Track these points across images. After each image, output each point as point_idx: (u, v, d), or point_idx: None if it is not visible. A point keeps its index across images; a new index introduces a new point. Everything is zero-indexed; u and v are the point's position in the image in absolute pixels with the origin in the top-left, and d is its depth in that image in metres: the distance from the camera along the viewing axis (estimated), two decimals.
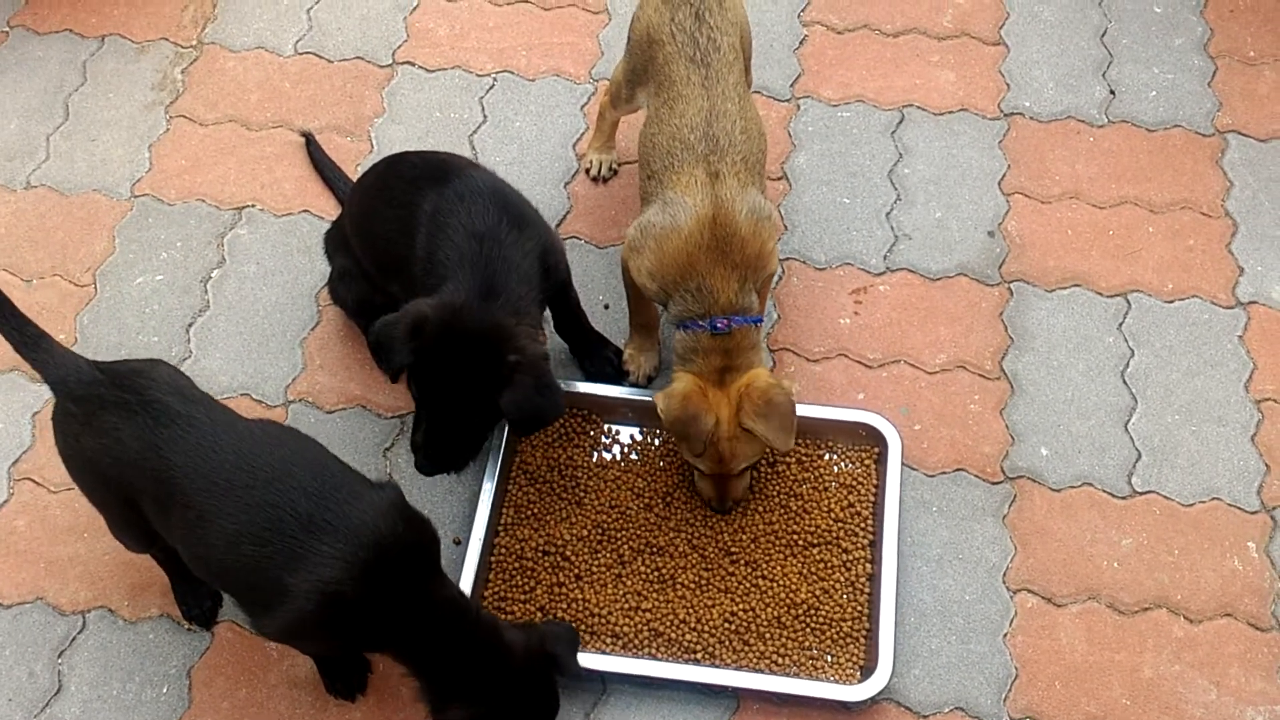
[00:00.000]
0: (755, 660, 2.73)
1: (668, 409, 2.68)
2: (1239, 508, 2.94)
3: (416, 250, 2.65)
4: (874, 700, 2.68)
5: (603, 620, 2.77)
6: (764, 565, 2.84)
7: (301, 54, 3.82)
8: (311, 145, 3.54)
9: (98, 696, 2.74)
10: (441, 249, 2.61)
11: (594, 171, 3.49)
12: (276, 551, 2.23)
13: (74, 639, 2.81)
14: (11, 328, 2.44)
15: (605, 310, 3.26)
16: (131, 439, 2.33)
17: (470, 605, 2.42)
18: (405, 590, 2.28)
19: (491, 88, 3.73)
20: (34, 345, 2.44)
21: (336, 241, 3.05)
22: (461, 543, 2.89)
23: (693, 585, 2.82)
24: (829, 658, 2.73)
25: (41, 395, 3.14)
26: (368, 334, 2.61)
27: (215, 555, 2.29)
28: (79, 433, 2.40)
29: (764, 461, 2.96)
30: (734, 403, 2.66)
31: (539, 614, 2.78)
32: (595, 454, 3.01)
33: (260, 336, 3.25)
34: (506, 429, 2.94)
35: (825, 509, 2.90)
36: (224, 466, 2.29)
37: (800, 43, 3.80)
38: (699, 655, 2.74)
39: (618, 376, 3.08)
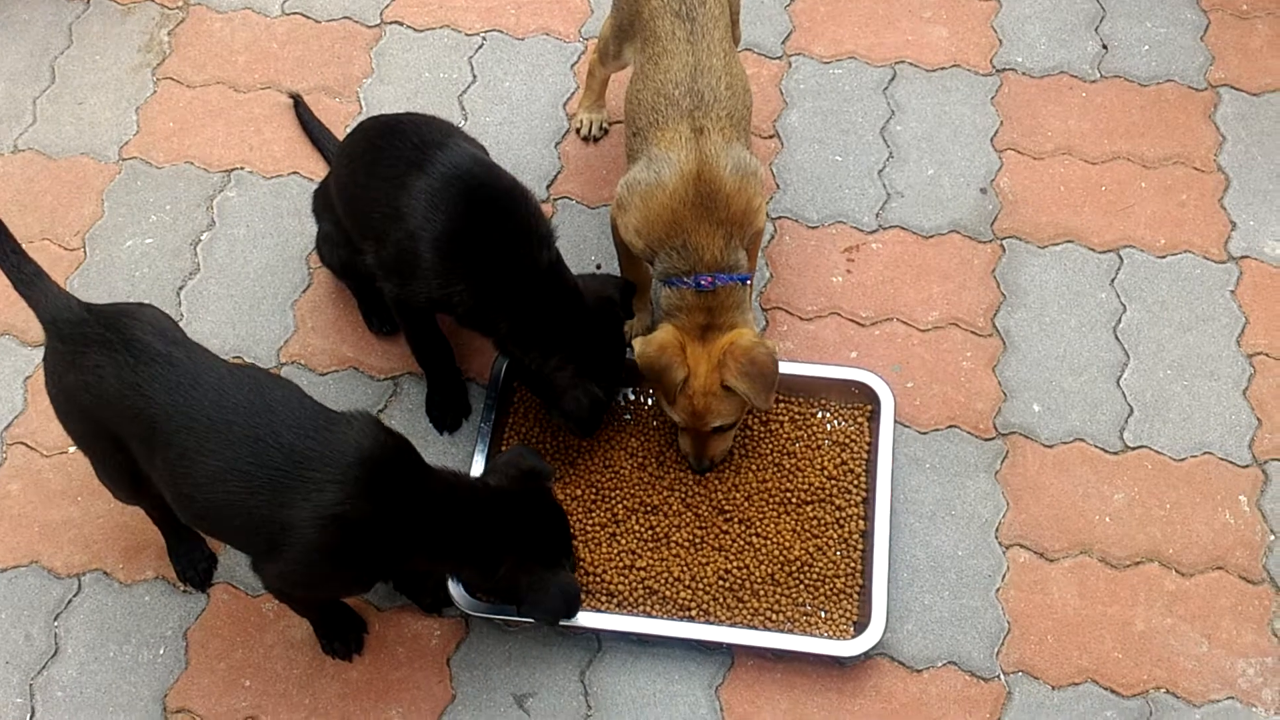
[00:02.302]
0: (749, 617, 2.74)
1: (643, 353, 2.69)
2: (1230, 462, 2.95)
3: (396, 232, 2.66)
4: (867, 655, 2.70)
5: (597, 579, 2.78)
6: (758, 523, 2.85)
7: (289, 14, 3.78)
8: (300, 107, 3.52)
9: (94, 659, 2.75)
10: (425, 247, 2.62)
11: (584, 131, 3.47)
12: (264, 486, 2.25)
13: (70, 602, 2.82)
14: (11, 264, 2.47)
15: (597, 271, 3.25)
16: (112, 377, 2.35)
17: (468, 478, 2.50)
18: (405, 493, 2.32)
19: (480, 47, 3.70)
20: (30, 282, 2.47)
21: (323, 202, 3.03)
22: None
23: (687, 543, 2.83)
24: (823, 614, 2.74)
25: (33, 360, 3.14)
26: (577, 422, 2.79)
27: (201, 494, 2.31)
28: (64, 370, 2.42)
29: (757, 420, 2.97)
30: (714, 360, 2.66)
31: None
32: None
33: (251, 299, 3.24)
34: (496, 393, 2.97)
35: (818, 467, 2.91)
36: (204, 405, 2.31)
37: None
38: (693, 612, 2.75)
39: None
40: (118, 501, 2.80)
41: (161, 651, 2.76)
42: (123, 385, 2.34)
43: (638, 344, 2.72)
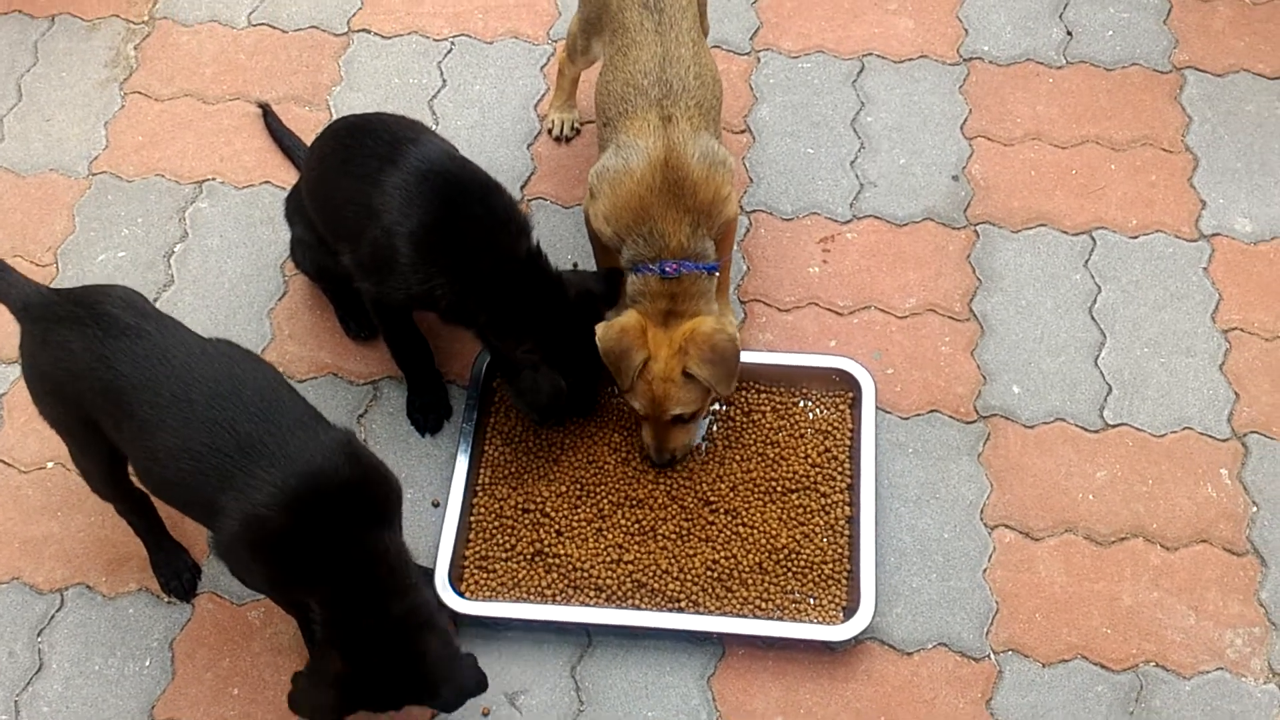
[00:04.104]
0: (739, 606, 2.74)
1: (604, 339, 2.69)
2: (1210, 436, 2.97)
3: (372, 230, 2.65)
4: (857, 640, 2.70)
5: (585, 574, 2.77)
6: (744, 513, 2.84)
7: (255, 25, 3.78)
8: (269, 116, 3.50)
9: (80, 673, 2.72)
10: (403, 242, 2.62)
11: (556, 131, 3.47)
12: (211, 469, 2.23)
13: (53, 617, 2.79)
14: None
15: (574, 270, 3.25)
16: (81, 350, 2.34)
17: (404, 569, 2.31)
18: (335, 531, 2.24)
19: (449, 52, 3.70)
20: None
21: (294, 206, 3.02)
22: (440, 505, 2.89)
23: (674, 535, 2.82)
24: (811, 600, 2.74)
25: (8, 377, 3.11)
26: (534, 408, 2.78)
27: (157, 469, 2.31)
28: (36, 350, 2.42)
29: (740, 411, 2.97)
30: (675, 346, 2.66)
31: (524, 568, 2.78)
32: None
33: (227, 309, 3.22)
34: (477, 393, 2.97)
35: (802, 455, 2.91)
36: (169, 380, 2.29)
37: None
38: (683, 604, 2.74)
39: None
40: (97, 511, 2.79)
41: (148, 663, 2.73)
42: (91, 358, 2.33)
43: (599, 330, 2.71)
